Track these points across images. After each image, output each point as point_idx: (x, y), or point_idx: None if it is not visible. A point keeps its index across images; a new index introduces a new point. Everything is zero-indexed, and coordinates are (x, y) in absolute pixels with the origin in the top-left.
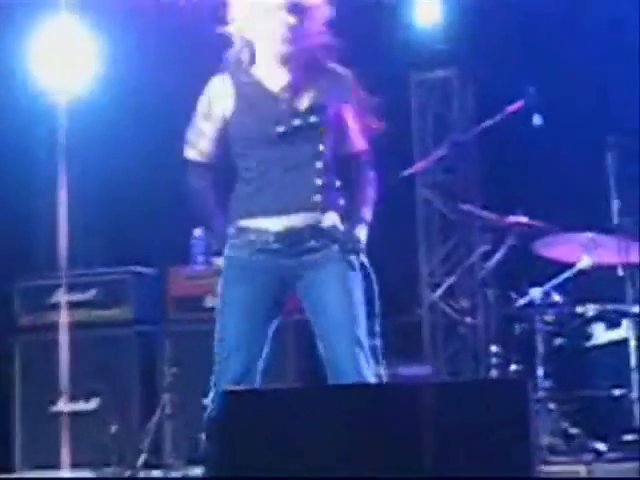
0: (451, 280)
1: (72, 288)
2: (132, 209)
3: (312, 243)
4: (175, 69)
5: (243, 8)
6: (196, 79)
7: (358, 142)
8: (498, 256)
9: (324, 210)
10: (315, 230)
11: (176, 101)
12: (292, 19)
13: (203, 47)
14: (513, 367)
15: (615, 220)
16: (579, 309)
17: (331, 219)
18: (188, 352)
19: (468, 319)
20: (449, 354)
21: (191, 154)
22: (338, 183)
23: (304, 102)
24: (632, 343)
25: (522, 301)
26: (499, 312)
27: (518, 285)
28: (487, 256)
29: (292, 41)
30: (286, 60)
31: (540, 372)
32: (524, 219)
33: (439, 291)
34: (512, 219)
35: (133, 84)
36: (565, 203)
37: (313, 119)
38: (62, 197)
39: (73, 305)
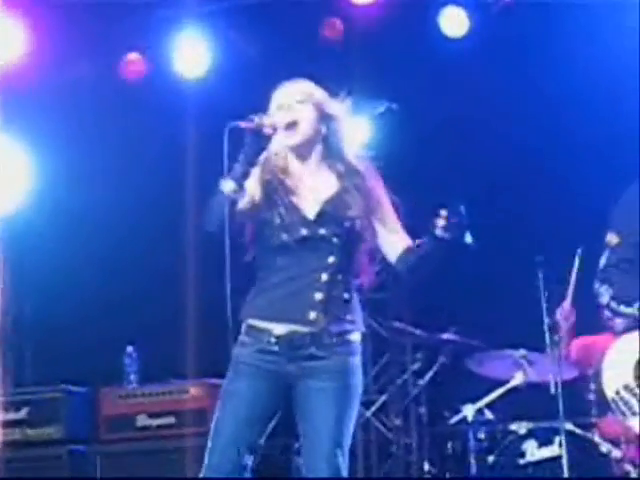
0: (383, 398)
1: (4, 407)
2: (64, 326)
3: (313, 350)
4: (110, 184)
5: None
6: (131, 195)
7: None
8: (430, 374)
9: (325, 321)
10: (317, 338)
11: (113, 218)
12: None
13: (140, 162)
14: None
15: (547, 338)
16: (512, 426)
17: (333, 330)
18: (120, 472)
19: (401, 437)
20: (382, 472)
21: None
22: (347, 295)
23: (316, 212)
24: (564, 460)
25: (455, 419)
26: (432, 430)
27: (450, 403)
28: (419, 374)
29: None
30: (305, 158)
31: None
32: (456, 337)
33: (372, 409)
34: (444, 337)
35: (66, 200)
36: (497, 321)
37: (322, 231)
38: None
39: (5, 424)
